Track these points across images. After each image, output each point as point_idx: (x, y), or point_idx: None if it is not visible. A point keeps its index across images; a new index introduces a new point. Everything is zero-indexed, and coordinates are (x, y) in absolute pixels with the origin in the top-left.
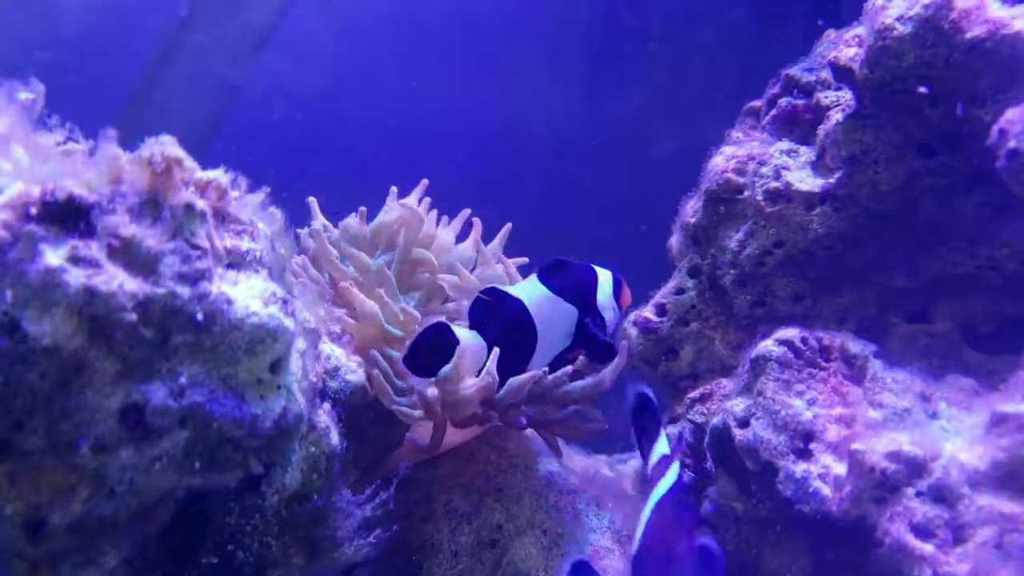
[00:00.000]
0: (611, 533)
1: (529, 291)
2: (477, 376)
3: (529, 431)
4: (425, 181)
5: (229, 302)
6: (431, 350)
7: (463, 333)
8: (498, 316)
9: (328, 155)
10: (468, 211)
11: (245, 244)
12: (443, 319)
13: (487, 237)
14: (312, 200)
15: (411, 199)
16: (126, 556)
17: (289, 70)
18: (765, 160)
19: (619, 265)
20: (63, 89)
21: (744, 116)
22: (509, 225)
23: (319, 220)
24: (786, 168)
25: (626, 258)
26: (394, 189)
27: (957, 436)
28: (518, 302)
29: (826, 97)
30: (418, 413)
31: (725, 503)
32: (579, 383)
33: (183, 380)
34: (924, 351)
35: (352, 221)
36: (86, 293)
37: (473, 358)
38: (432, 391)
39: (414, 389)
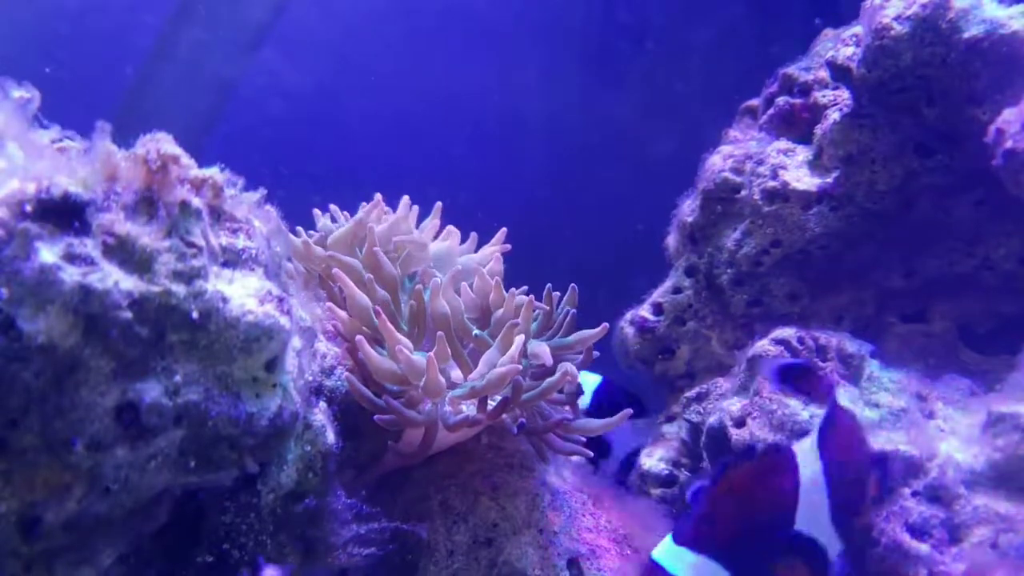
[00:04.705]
0: (607, 532)
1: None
2: None
3: None
4: (439, 204)
5: (225, 300)
6: None
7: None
8: None
9: (324, 153)
10: (439, 203)
11: (241, 242)
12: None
13: (484, 238)
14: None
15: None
16: (121, 555)
17: (285, 67)
18: (762, 159)
19: (617, 264)
20: (59, 87)
21: (741, 115)
22: (503, 241)
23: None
24: (783, 167)
25: (623, 257)
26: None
27: (953, 436)
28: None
29: (824, 96)
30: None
31: None
32: (549, 380)
33: (178, 378)
34: (921, 351)
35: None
36: (81, 291)
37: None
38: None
39: (398, 393)
